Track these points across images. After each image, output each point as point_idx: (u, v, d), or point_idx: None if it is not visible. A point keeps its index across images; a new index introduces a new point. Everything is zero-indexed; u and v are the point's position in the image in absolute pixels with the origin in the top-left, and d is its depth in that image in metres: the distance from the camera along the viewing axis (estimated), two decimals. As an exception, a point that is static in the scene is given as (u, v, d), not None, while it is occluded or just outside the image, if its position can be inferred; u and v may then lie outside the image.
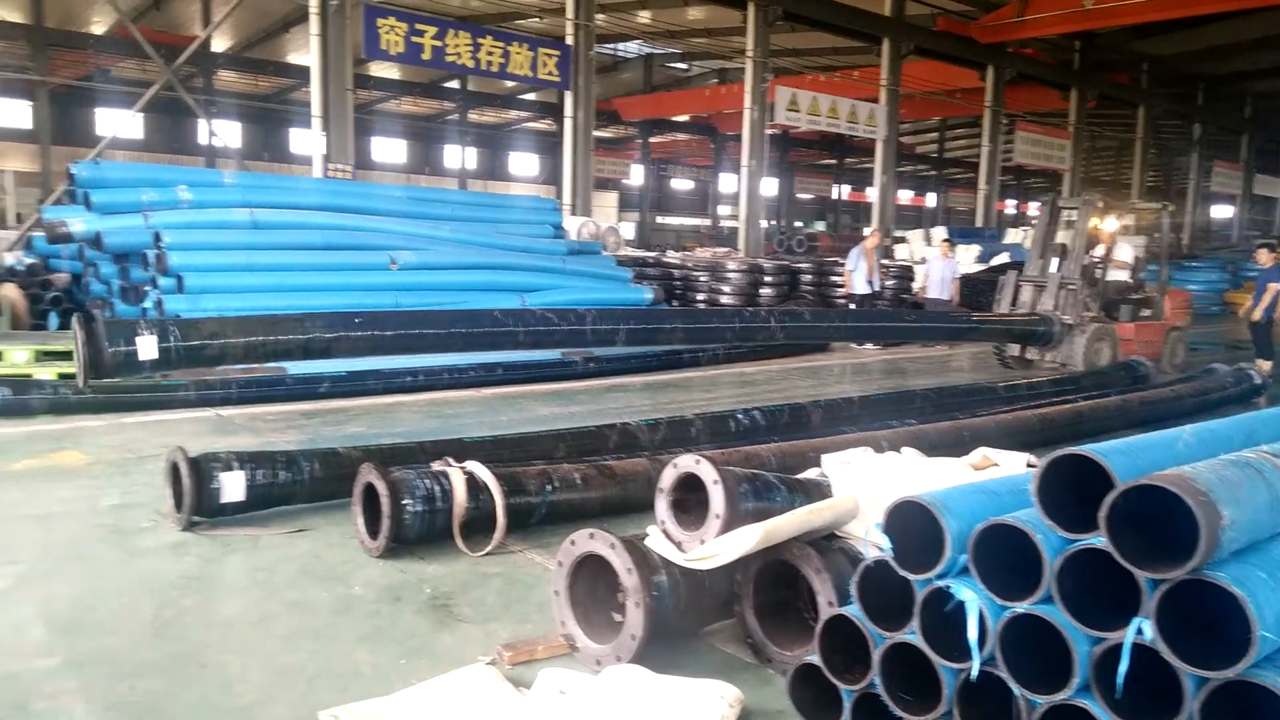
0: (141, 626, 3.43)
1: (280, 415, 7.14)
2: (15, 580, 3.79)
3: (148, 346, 5.33)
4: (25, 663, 3.10)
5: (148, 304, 8.35)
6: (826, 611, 2.89)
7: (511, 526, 4.28)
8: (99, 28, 29.84)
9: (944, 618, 2.49)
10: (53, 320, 9.58)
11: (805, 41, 24.78)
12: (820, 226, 45.21)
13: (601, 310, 7.26)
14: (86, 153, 17.23)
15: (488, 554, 4.20)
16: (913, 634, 2.54)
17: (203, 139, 33.12)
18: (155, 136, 37.08)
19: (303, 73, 19.58)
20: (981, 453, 4.02)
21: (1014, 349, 10.50)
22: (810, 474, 3.99)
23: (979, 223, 26.13)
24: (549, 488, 4.45)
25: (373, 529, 4.18)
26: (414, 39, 17.41)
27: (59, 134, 30.40)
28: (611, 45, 33.97)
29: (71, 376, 7.04)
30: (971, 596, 2.42)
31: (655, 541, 3.27)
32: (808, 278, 16.14)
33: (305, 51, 18.43)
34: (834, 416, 6.48)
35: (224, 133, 30.94)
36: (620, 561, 3.12)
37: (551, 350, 8.66)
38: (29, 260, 10.75)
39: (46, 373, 7.22)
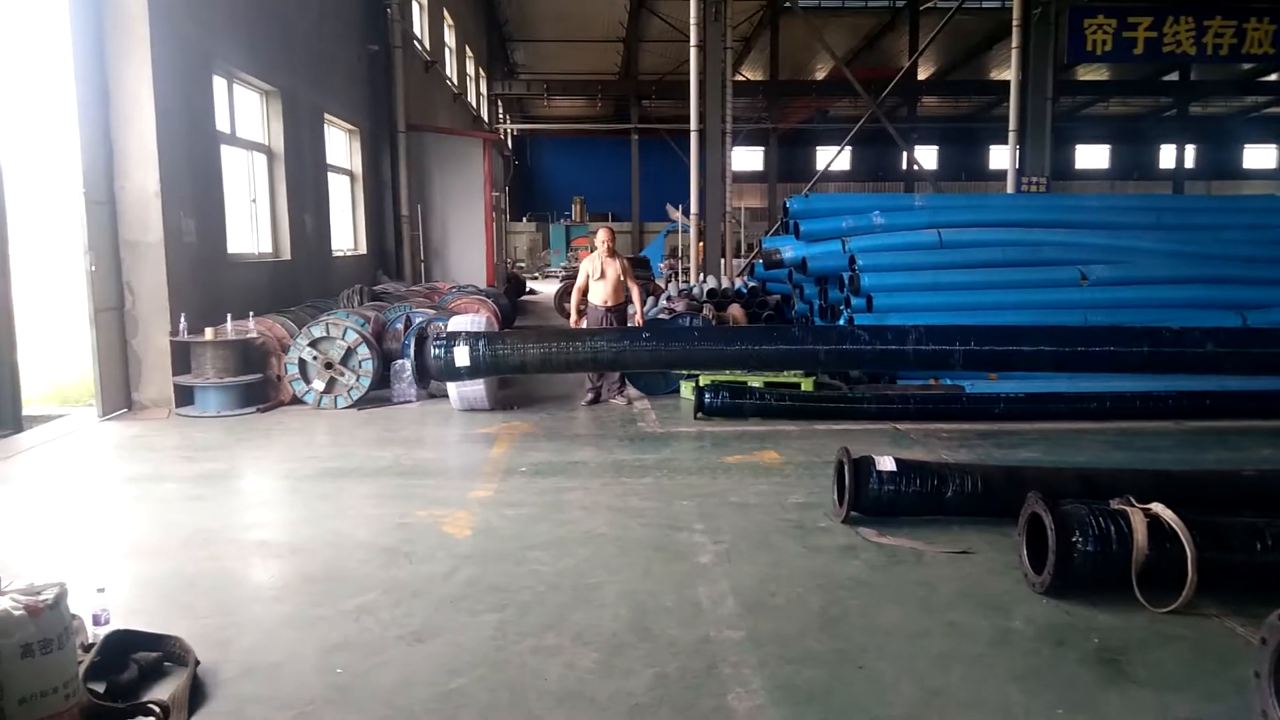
0: (810, 618, 3.74)
1: (954, 433, 7.18)
2: (717, 556, 4.46)
3: (462, 355, 6.43)
4: (718, 631, 3.61)
5: (840, 322, 9.11)
6: None
7: (1205, 585, 3.65)
8: (820, 74, 33.77)
9: None
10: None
11: None
12: None
13: (931, 328, 6.40)
14: (803, 188, 19.60)
15: (1172, 611, 3.65)
16: None
17: (903, 165, 35.13)
18: (860, 167, 40.64)
19: (1002, 88, 19.51)
20: None
21: None
22: None
23: None
24: (1259, 545, 3.69)
25: (1036, 562, 3.94)
26: (1125, 34, 16.20)
27: (783, 172, 35.25)
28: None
29: (775, 385, 8.04)
30: None
31: None
32: None
33: (1006, 67, 18.31)
34: None
35: (922, 157, 32.43)
36: (1354, 657, 2.44)
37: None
38: (751, 284, 12.60)
39: (756, 381, 8.31)
